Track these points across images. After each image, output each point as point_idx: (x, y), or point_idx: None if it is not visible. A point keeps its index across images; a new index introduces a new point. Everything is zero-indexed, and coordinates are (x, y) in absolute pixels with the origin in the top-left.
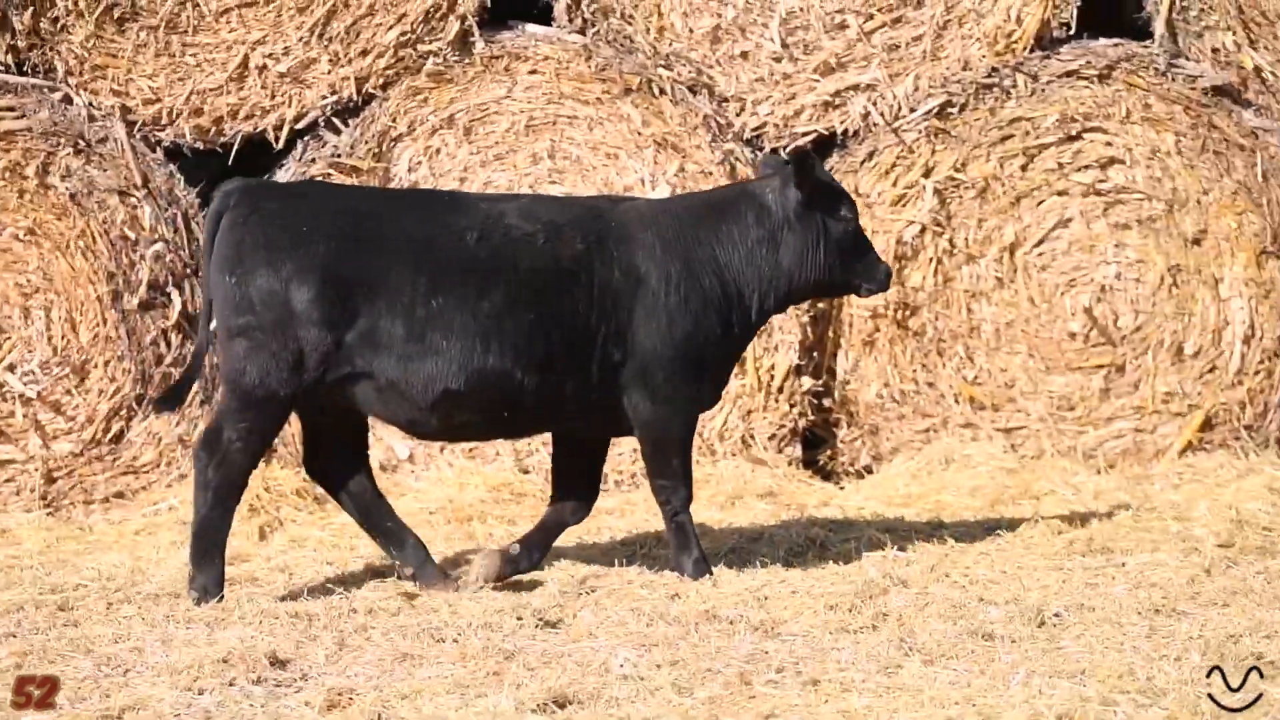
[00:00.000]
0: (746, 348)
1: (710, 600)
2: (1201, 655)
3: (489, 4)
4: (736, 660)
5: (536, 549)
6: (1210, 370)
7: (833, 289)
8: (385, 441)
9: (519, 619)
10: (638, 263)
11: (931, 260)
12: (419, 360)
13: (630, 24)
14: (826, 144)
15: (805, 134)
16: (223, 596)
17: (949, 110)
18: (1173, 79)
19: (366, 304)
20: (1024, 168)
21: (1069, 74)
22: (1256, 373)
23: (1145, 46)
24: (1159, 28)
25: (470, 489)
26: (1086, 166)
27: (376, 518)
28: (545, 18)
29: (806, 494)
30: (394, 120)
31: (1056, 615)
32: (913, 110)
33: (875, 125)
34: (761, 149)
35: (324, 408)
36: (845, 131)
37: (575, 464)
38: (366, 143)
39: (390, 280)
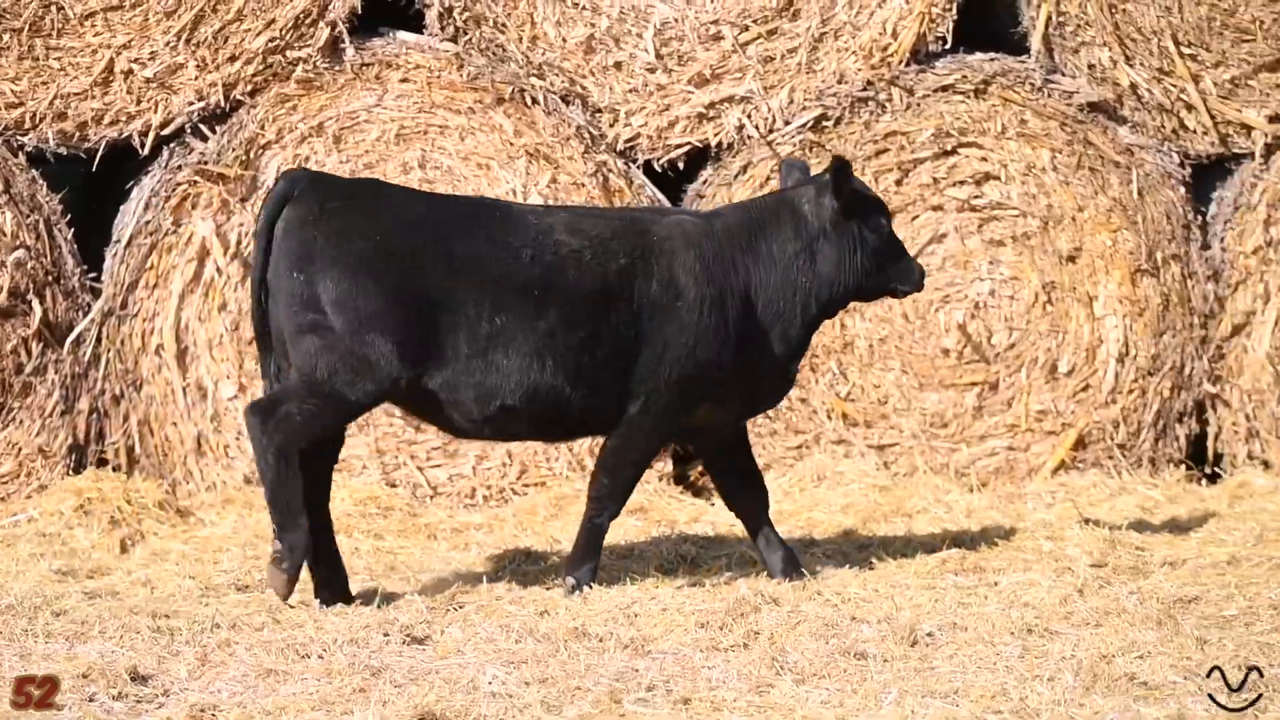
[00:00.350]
0: (802, 356)
1: (580, 617)
2: (1074, 676)
3: (360, 10)
4: (606, 678)
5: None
6: (1084, 389)
7: (870, 293)
8: (250, 454)
9: (385, 635)
10: (678, 280)
11: None
12: (480, 375)
13: (503, 33)
14: (700, 157)
15: (679, 146)
16: (309, 551)
17: (824, 123)
18: (1049, 95)
19: (431, 316)
20: (899, 182)
21: (945, 88)
22: (1130, 391)
23: (1022, 61)
24: (1035, 43)
25: (336, 502)
26: (962, 182)
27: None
28: (417, 25)
29: (677, 510)
30: (262, 127)
31: (929, 634)
32: (787, 123)
33: (750, 138)
34: (635, 160)
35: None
36: (719, 144)
37: (731, 466)
38: (234, 150)
39: (455, 295)
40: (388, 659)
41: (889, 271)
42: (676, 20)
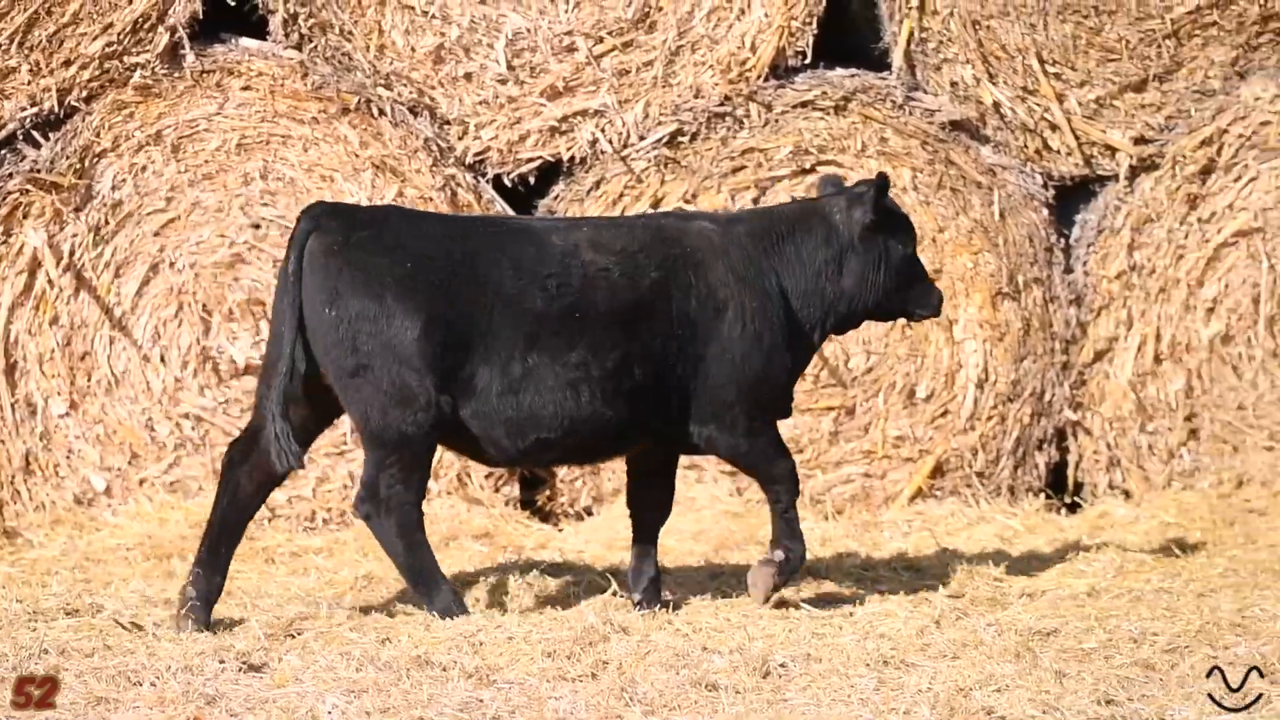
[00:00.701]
0: (806, 368)
1: (423, 645)
2: (931, 709)
3: (201, 16)
4: (450, 708)
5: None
6: (942, 414)
7: (887, 313)
8: (81, 473)
9: (221, 662)
10: (714, 291)
11: None
12: (512, 411)
13: (349, 41)
14: (551, 171)
15: (530, 160)
16: (465, 608)
17: (680, 139)
18: (910, 112)
19: (461, 348)
20: (756, 200)
21: (804, 104)
22: (989, 418)
23: (883, 78)
24: (897, 59)
25: (171, 525)
26: None
27: (224, 535)
28: (261, 31)
29: (524, 535)
30: (97, 135)
31: (782, 665)
32: (642, 138)
33: (603, 153)
34: (485, 174)
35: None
36: (572, 159)
37: (649, 486)
38: (68, 158)
39: (484, 329)
40: (223, 687)
41: (908, 293)
42: (529, 31)
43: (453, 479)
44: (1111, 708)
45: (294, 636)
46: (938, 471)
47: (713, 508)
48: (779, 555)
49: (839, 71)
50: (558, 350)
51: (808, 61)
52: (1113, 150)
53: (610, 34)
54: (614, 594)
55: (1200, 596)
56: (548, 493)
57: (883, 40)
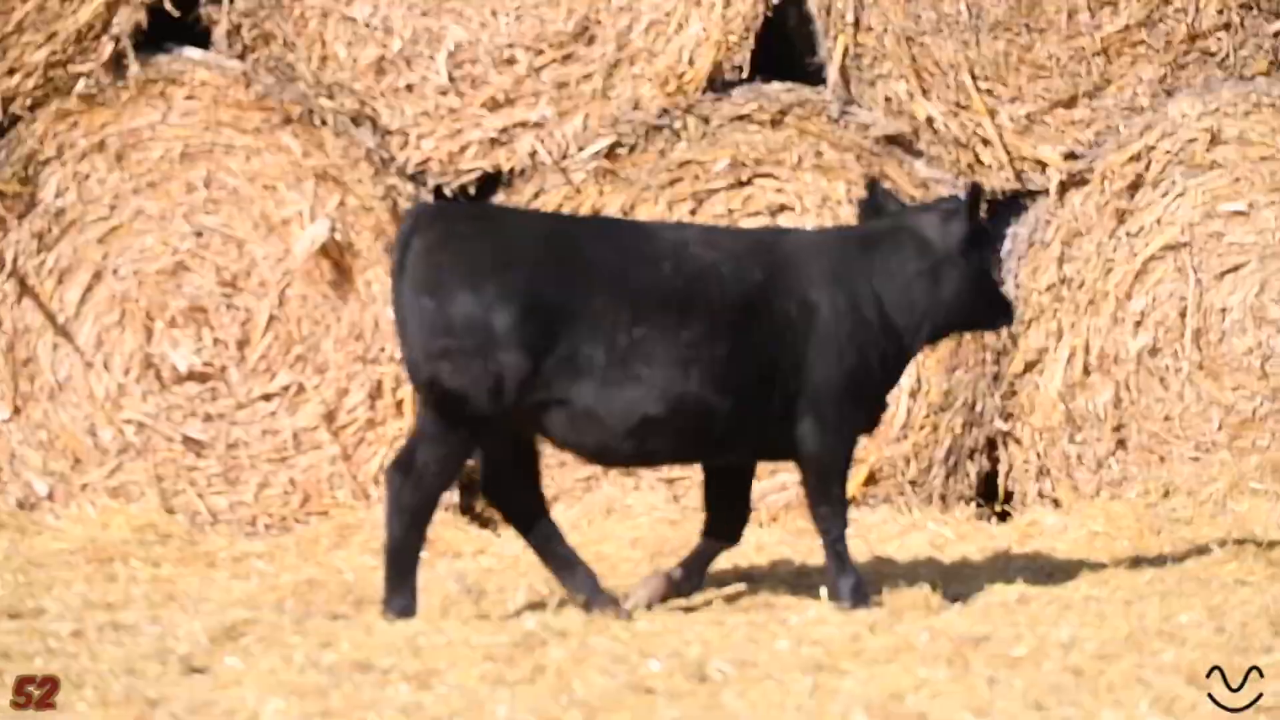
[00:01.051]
0: (900, 378)
1: (363, 649)
2: (864, 714)
3: (145, 26)
4: (390, 712)
5: (697, 573)
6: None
7: (976, 324)
8: (24, 477)
9: (163, 665)
10: (810, 295)
11: None
12: (619, 387)
13: (292, 51)
14: (491, 182)
15: (470, 171)
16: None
17: (618, 151)
18: (845, 126)
19: (566, 330)
20: (693, 212)
21: (741, 118)
22: (922, 427)
23: (818, 92)
24: (832, 74)
25: (113, 529)
26: (756, 213)
27: (551, 544)
28: (204, 41)
29: (463, 540)
30: (41, 143)
31: (719, 671)
32: (581, 150)
33: (542, 164)
34: (426, 184)
35: (505, 433)
36: (512, 170)
37: (727, 489)
38: (11, 166)
39: (591, 307)
40: (165, 690)
41: (990, 302)
42: (470, 43)
43: None
44: (1042, 713)
45: (235, 640)
46: (871, 479)
47: (649, 515)
48: (844, 605)
49: (776, 85)
50: (668, 328)
51: (745, 75)
52: (1043, 165)
53: (550, 46)
54: (552, 599)
55: (1128, 604)
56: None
57: (818, 55)
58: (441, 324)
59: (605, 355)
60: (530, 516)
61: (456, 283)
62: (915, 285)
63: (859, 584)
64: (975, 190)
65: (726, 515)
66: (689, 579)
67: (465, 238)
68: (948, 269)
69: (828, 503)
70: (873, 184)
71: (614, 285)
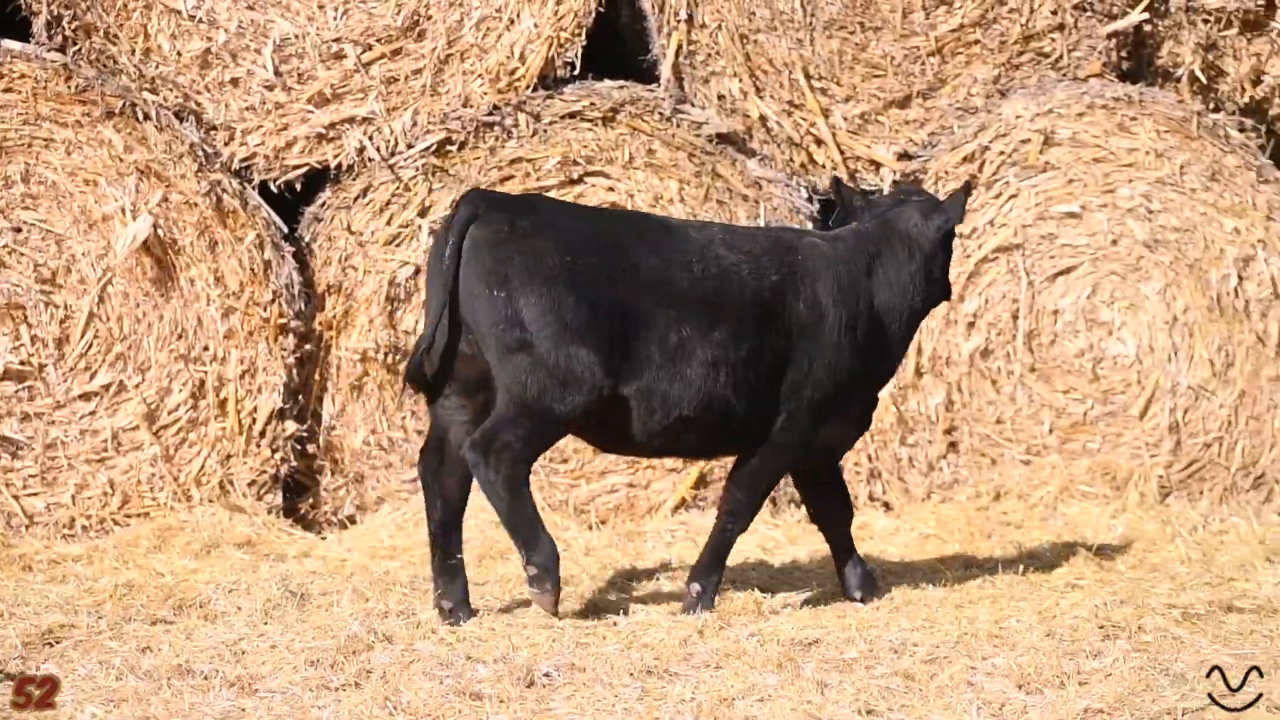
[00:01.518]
0: (893, 376)
1: (184, 654)
2: (694, 718)
3: None
4: (211, 718)
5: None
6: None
7: (931, 307)
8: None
9: None
10: (821, 299)
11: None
12: (667, 384)
13: (114, 44)
14: (318, 178)
15: (297, 167)
16: (556, 574)
17: (448, 148)
18: (678, 125)
19: (626, 328)
20: None
21: (572, 115)
22: None
23: (651, 90)
24: (665, 71)
25: None
26: None
27: (448, 539)
28: (24, 33)
29: (287, 544)
30: None
31: (546, 675)
32: (410, 146)
33: (371, 160)
34: (251, 180)
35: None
36: (339, 166)
37: (823, 492)
38: None
39: (645, 306)
40: None
41: (944, 285)
42: (297, 37)
43: (215, 487)
44: (872, 717)
45: (52, 645)
46: (701, 482)
47: (477, 517)
48: (695, 589)
49: (607, 83)
50: (703, 328)
51: (576, 72)
52: (877, 165)
53: (379, 41)
54: (378, 603)
55: (958, 608)
56: (311, 501)
57: (651, 53)
58: (514, 316)
59: (659, 353)
60: (445, 503)
61: (528, 276)
62: (909, 289)
63: (718, 581)
64: (968, 189)
65: (831, 505)
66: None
67: (530, 231)
68: (929, 264)
69: (749, 491)
70: (836, 181)
71: (663, 286)
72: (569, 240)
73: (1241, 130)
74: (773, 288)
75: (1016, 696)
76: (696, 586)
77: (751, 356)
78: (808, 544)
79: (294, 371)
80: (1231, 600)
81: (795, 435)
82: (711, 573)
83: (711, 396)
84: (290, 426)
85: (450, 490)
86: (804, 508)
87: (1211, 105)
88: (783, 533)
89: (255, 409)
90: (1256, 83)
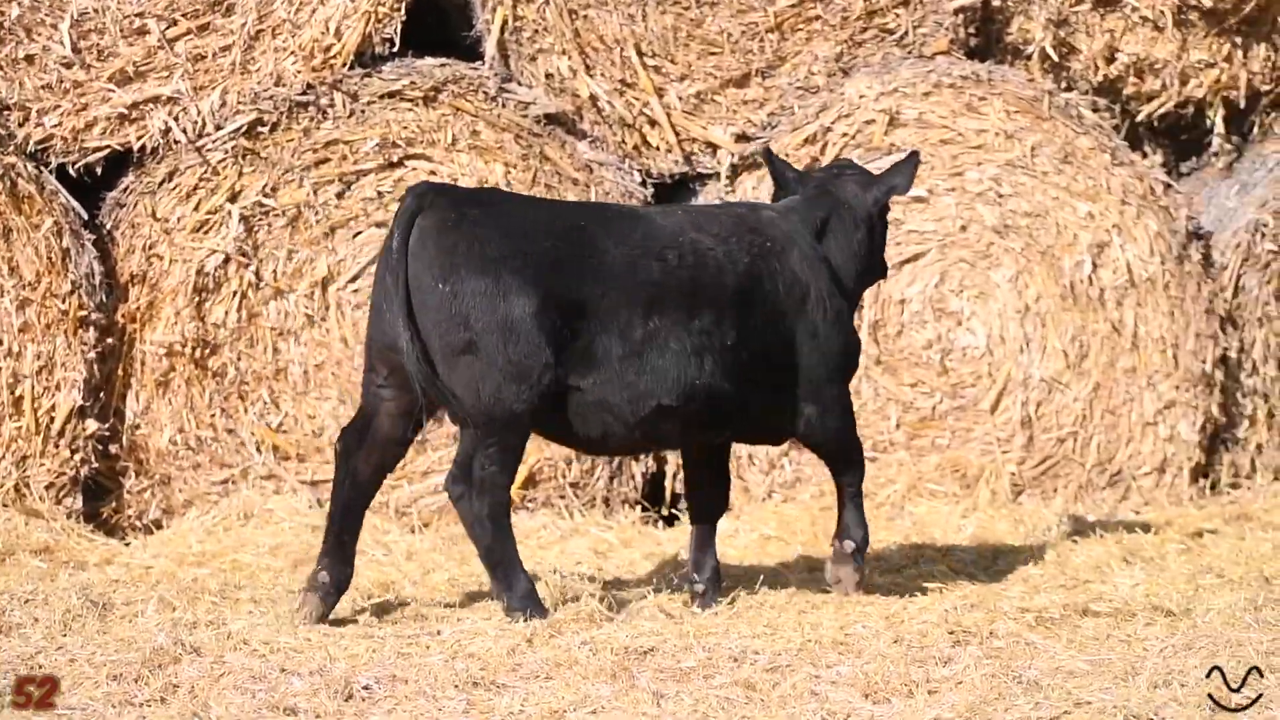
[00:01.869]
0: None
1: None
2: None
3: None
4: None
5: (711, 584)
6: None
7: (870, 284)
8: None
9: None
10: (797, 276)
11: (236, 294)
12: (634, 376)
13: None
14: (121, 161)
15: (97, 149)
16: (542, 609)
17: (259, 129)
18: (503, 105)
19: (581, 320)
20: (340, 195)
21: (391, 95)
22: None
23: (475, 68)
24: (490, 49)
25: None
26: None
27: (346, 523)
28: None
29: (88, 550)
30: None
31: (366, 688)
32: (219, 128)
33: (177, 142)
34: (48, 164)
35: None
36: (143, 148)
37: (706, 473)
38: None
39: (606, 297)
40: None
41: (881, 261)
42: (96, 11)
43: (10, 490)
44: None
45: None
46: (530, 482)
47: (292, 520)
48: (850, 545)
49: (429, 61)
50: (681, 317)
51: (396, 50)
52: (714, 147)
53: (185, 16)
54: (186, 613)
55: (801, 613)
56: (114, 504)
57: (475, 28)
58: (460, 312)
59: (622, 346)
60: (355, 485)
61: (474, 267)
62: (856, 256)
63: (867, 534)
64: (917, 157)
65: (710, 494)
66: (708, 588)
67: (478, 221)
68: (872, 235)
69: (852, 468)
70: (768, 153)
71: (625, 277)
72: (520, 230)
73: (1095, 110)
74: (747, 270)
75: (863, 706)
76: (851, 543)
77: (739, 342)
78: (642, 547)
79: (95, 367)
80: (1087, 603)
81: (837, 410)
82: (860, 528)
83: (695, 387)
84: (91, 425)
85: (362, 474)
86: (684, 483)
87: (1064, 84)
88: (616, 535)
89: (53, 407)
90: (1110, 60)
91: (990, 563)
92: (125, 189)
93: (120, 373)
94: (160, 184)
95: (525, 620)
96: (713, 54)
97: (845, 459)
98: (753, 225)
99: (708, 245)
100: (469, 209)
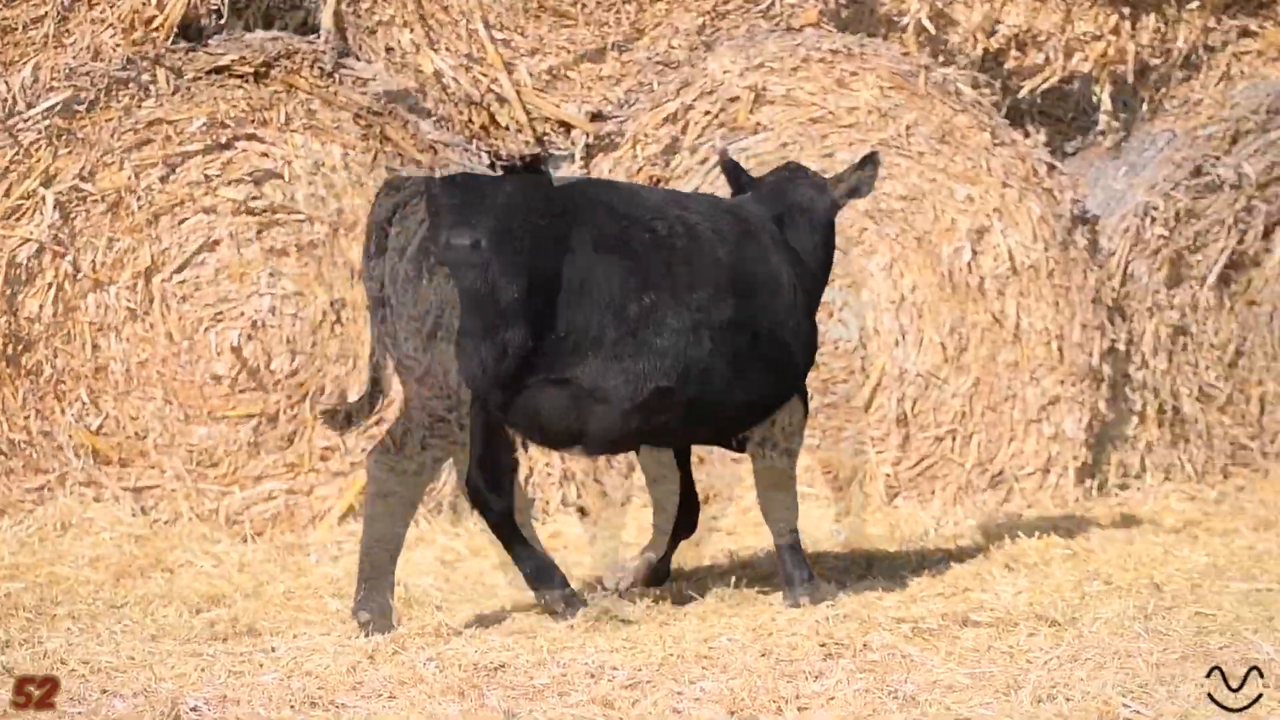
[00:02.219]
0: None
1: None
2: None
3: None
4: None
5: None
6: (377, 423)
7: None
8: None
9: None
10: (772, 264)
11: (51, 286)
12: (630, 358)
13: None
14: None
15: None
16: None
17: (75, 108)
18: (341, 81)
19: (569, 302)
20: (164, 179)
21: (219, 70)
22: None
23: (310, 42)
24: (325, 21)
25: None
26: (238, 180)
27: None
28: None
29: None
30: None
31: (194, 709)
32: (31, 106)
33: None
34: None
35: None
36: None
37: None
38: None
39: (595, 276)
40: None
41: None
42: None
43: None
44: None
45: None
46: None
47: (113, 530)
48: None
49: (260, 34)
50: (675, 294)
51: (224, 22)
52: (568, 127)
53: None
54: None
55: (662, 625)
56: None
57: None
58: (438, 301)
59: (614, 327)
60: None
61: (452, 257)
62: (813, 256)
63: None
64: (876, 158)
65: (687, 506)
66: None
67: (454, 209)
68: (828, 238)
69: (794, 455)
70: (725, 155)
71: (617, 252)
72: (497, 213)
73: (974, 87)
74: (729, 253)
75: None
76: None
77: (732, 324)
78: (492, 556)
79: None
80: (967, 613)
81: (802, 399)
82: (793, 511)
83: (689, 369)
84: None
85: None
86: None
87: (941, 59)
88: (465, 543)
89: None
90: (990, 34)
91: (864, 570)
92: None
93: None
94: None
95: (568, 617)
96: (566, 26)
97: (794, 451)
98: (729, 210)
99: (693, 221)
100: (444, 197)
